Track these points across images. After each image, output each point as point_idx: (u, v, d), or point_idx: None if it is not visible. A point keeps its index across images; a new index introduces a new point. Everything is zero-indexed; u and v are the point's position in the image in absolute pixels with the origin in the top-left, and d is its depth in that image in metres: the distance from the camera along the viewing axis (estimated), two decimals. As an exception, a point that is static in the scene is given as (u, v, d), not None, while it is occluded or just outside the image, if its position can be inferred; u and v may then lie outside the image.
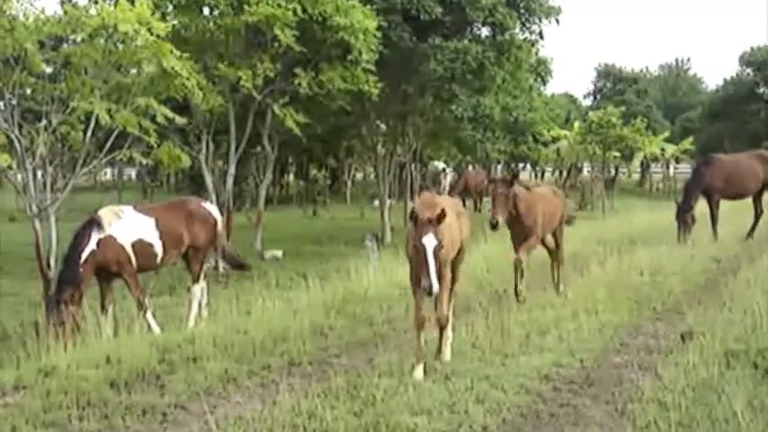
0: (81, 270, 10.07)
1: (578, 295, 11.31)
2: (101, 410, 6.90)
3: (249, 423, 6.44)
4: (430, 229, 7.24)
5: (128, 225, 10.60)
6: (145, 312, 10.46)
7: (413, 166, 32.46)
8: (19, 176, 13.93)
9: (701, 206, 19.29)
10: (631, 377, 7.88)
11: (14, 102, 13.73)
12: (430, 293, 7.20)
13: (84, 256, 10.12)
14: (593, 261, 13.88)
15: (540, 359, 8.29)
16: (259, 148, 25.92)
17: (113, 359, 8.22)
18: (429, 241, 7.20)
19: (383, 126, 25.90)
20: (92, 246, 10.18)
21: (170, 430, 6.53)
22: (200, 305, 11.32)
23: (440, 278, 7.44)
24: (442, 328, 8.27)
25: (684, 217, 18.41)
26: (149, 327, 10.24)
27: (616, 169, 49.02)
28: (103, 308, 10.50)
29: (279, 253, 20.10)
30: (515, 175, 11.19)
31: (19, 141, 13.27)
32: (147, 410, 6.91)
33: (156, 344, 8.90)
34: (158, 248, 10.84)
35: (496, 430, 6.41)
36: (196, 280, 11.33)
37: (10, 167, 13.83)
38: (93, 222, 10.35)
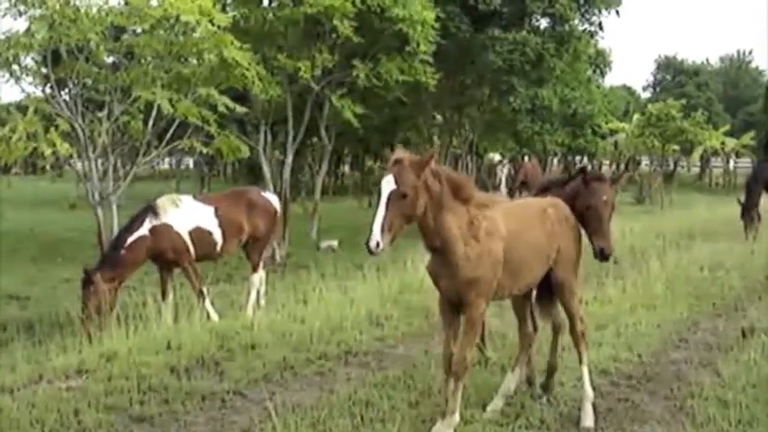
0: (123, 252, 10.17)
1: (636, 290, 11.18)
2: (161, 395, 7.02)
3: (307, 411, 6.50)
4: (393, 170, 5.45)
5: (185, 213, 10.67)
6: (204, 300, 10.57)
7: (468, 157, 32.30)
8: (80, 165, 14.21)
9: (764, 202, 18.97)
10: (690, 373, 7.80)
11: (77, 91, 14.01)
12: (369, 249, 5.31)
13: (130, 240, 10.22)
14: (651, 255, 13.70)
15: (597, 354, 8.22)
16: (316, 139, 26.05)
17: (173, 345, 8.36)
18: (387, 184, 5.42)
19: (439, 117, 25.85)
20: (143, 231, 10.28)
21: (229, 416, 6.62)
22: (258, 294, 11.41)
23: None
24: (455, 378, 5.89)
25: (750, 214, 18.15)
26: (208, 315, 10.36)
27: (675, 163, 48.36)
28: (164, 295, 10.65)
29: (334, 243, 20.17)
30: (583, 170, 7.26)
31: (82, 130, 13.55)
32: (206, 396, 7.02)
33: (216, 331, 9.02)
34: (218, 237, 10.91)
35: (554, 424, 6.39)
36: (255, 269, 11.42)
37: (71, 156, 14.13)
38: (150, 209, 10.47)
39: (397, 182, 5.35)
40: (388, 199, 5.35)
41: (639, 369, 7.96)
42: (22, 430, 6.14)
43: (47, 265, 16.62)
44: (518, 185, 31.66)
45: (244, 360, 8.08)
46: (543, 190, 7.42)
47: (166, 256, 10.52)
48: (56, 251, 18.21)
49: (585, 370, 6.72)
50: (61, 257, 17.33)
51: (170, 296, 10.68)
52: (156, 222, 10.37)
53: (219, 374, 7.68)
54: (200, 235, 10.72)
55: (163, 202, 10.63)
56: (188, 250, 10.60)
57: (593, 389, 6.71)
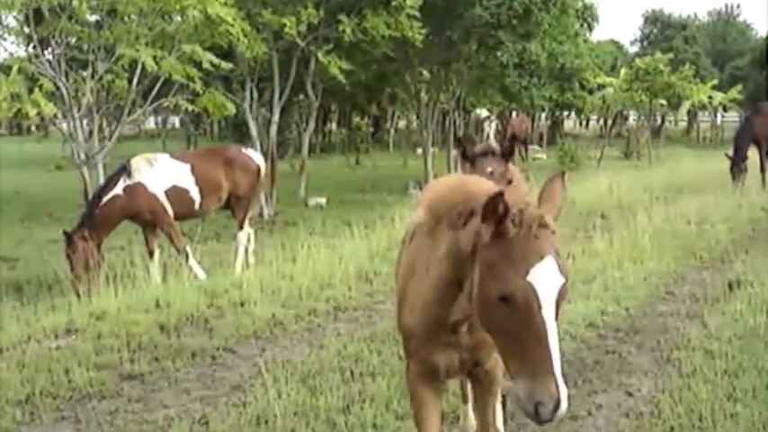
0: (98, 212, 10.17)
1: (624, 244, 11.22)
2: (151, 353, 7.05)
3: (297, 366, 6.54)
4: (547, 245, 3.02)
5: (161, 173, 10.61)
6: (187, 259, 10.56)
7: (456, 113, 32.21)
8: (65, 125, 14.11)
9: (750, 156, 19.01)
10: (677, 325, 7.86)
11: (61, 50, 13.84)
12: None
13: (104, 199, 10.23)
14: (638, 209, 13.74)
15: (585, 307, 8.27)
16: (302, 96, 25.87)
17: (162, 303, 8.38)
18: (550, 275, 2.99)
19: (426, 73, 25.66)
20: (116, 191, 10.26)
21: (220, 373, 6.65)
22: (246, 251, 11.40)
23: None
24: None
25: (737, 168, 18.23)
26: (194, 273, 10.36)
27: (662, 117, 48.25)
28: (151, 254, 10.65)
29: (323, 200, 20.16)
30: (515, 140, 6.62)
31: (66, 90, 13.42)
32: (196, 353, 7.05)
33: (205, 289, 9.05)
34: (195, 195, 10.83)
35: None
36: (241, 226, 11.40)
37: (56, 116, 14.02)
38: (124, 169, 10.45)
39: (560, 268, 3.02)
40: (557, 304, 3.00)
41: (626, 322, 8.01)
42: (13, 390, 6.15)
43: (34, 226, 16.57)
44: (507, 141, 31.65)
45: (233, 317, 8.10)
46: None
47: (143, 216, 10.49)
48: (42, 212, 18.13)
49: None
50: (48, 218, 17.27)
51: (156, 255, 10.68)
52: (129, 182, 10.33)
53: (209, 332, 7.70)
54: (176, 194, 10.64)
55: (137, 161, 10.57)
56: (166, 211, 10.54)
57: (582, 341, 6.74)
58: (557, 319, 2.99)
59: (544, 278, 2.96)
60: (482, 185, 3.72)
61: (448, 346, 3.63)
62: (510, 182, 5.59)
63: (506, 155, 5.66)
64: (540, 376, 2.91)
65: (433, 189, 4.09)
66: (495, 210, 2.98)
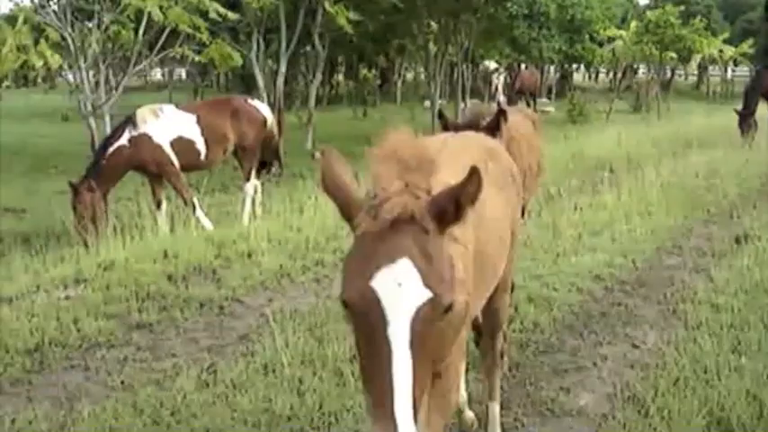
0: (104, 163, 10.15)
1: (632, 197, 11.21)
2: (159, 303, 7.08)
3: (304, 316, 6.58)
4: (406, 245, 2.34)
5: (166, 124, 10.54)
6: (194, 210, 10.56)
7: (464, 66, 31.96)
8: (72, 76, 14.05)
9: (760, 110, 18.90)
10: (684, 279, 7.88)
11: (66, 0, 13.73)
12: None
13: (110, 150, 10.20)
14: (647, 163, 13.71)
15: (592, 259, 8.29)
16: (309, 47, 25.72)
17: (170, 254, 8.41)
18: (401, 283, 2.30)
19: (435, 24, 25.44)
20: (122, 142, 10.22)
21: (227, 322, 6.69)
22: (253, 203, 11.39)
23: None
24: None
25: (747, 123, 18.12)
26: (202, 224, 10.38)
27: (672, 71, 47.83)
28: (158, 205, 10.65)
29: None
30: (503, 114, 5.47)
31: (72, 40, 13.33)
32: (204, 303, 7.09)
33: (212, 239, 9.07)
34: (201, 146, 10.76)
35: (548, 328, 6.47)
36: (248, 178, 11.36)
37: (62, 68, 13.97)
38: (129, 120, 10.41)
39: (425, 277, 2.32)
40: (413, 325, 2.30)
41: (633, 274, 8.03)
42: (23, 339, 6.19)
43: (41, 177, 16.56)
44: (515, 93, 31.47)
45: (241, 268, 8.13)
46: None
47: (148, 166, 10.46)
48: (50, 163, 18.12)
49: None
50: (55, 170, 17.25)
51: (163, 206, 10.67)
52: (134, 133, 10.28)
53: (217, 282, 7.73)
54: (182, 145, 10.58)
55: (142, 112, 10.52)
56: (170, 161, 10.51)
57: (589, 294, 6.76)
58: (418, 346, 2.24)
59: (391, 286, 2.27)
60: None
61: None
62: None
63: (492, 130, 5.12)
64: (378, 416, 2.22)
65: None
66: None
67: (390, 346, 2.23)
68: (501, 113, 5.35)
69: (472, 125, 5.11)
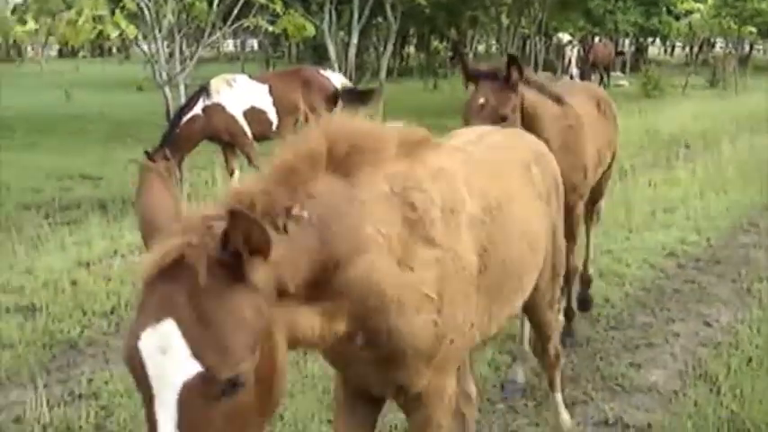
0: (178, 132, 10.27)
1: (707, 173, 11.00)
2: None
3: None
4: (175, 301, 1.87)
5: (239, 94, 10.61)
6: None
7: (537, 38, 31.57)
8: (146, 47, 14.26)
9: None
10: (759, 257, 7.74)
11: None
12: None
13: (184, 119, 10.31)
14: (723, 139, 13.40)
15: (665, 236, 8.19)
16: (381, 19, 25.67)
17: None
18: (164, 352, 1.84)
19: (508, -5, 25.22)
20: (196, 111, 10.33)
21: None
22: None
23: None
24: None
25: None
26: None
27: (751, 46, 46.56)
28: (231, 173, 10.81)
29: (399, 125, 20.10)
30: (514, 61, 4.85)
31: (148, 10, 13.52)
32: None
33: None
34: (272, 116, 10.81)
35: (619, 303, 6.41)
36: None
37: (137, 38, 14.17)
38: (203, 90, 10.52)
39: (195, 345, 1.85)
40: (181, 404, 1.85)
41: (707, 252, 7.92)
42: (99, 302, 6.37)
43: (116, 145, 16.88)
44: (589, 67, 30.93)
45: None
46: None
47: (221, 136, 10.57)
48: (125, 132, 18.46)
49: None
50: (130, 138, 17.58)
51: (236, 175, 10.79)
52: (208, 102, 10.40)
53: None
54: (254, 115, 10.65)
55: (216, 82, 10.63)
56: (243, 131, 10.59)
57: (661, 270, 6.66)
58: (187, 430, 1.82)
59: (155, 353, 1.83)
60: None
61: (351, 357, 2.63)
62: (504, 118, 4.55)
63: (508, 80, 4.67)
64: None
65: None
66: None
67: (156, 426, 1.83)
68: (511, 61, 4.70)
69: (488, 74, 4.74)
